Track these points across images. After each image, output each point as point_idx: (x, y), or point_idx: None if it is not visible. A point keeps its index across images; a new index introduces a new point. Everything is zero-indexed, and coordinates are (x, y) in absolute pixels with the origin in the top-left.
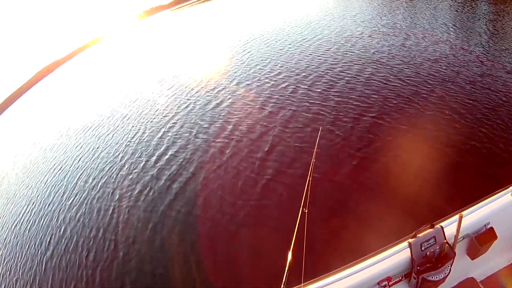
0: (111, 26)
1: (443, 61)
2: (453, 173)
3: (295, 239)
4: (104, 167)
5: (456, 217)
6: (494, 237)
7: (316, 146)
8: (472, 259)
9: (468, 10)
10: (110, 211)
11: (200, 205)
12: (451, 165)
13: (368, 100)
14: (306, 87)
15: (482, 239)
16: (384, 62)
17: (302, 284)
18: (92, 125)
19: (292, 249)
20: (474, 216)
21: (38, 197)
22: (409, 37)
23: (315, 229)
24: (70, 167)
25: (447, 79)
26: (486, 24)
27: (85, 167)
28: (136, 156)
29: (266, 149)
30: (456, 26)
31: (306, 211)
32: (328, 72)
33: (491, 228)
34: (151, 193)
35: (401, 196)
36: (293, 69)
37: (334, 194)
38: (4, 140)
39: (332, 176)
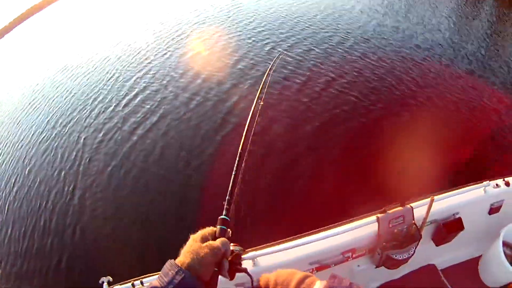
0: None
1: (434, 51)
2: (432, 161)
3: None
4: (75, 110)
5: (427, 200)
6: (461, 227)
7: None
8: (437, 246)
9: (470, 4)
10: (74, 155)
11: (160, 152)
12: (431, 152)
13: (347, 76)
14: (285, 46)
15: (449, 227)
16: (372, 41)
17: (261, 246)
18: (71, 66)
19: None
20: (445, 203)
21: (9, 137)
22: (404, 19)
23: (282, 195)
24: (42, 109)
25: (436, 70)
26: (486, 22)
27: (57, 109)
28: (106, 101)
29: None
30: (455, 18)
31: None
32: (309, 39)
33: (459, 218)
34: (113, 139)
35: (375, 174)
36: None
37: (309, 165)
38: None
39: (306, 150)
